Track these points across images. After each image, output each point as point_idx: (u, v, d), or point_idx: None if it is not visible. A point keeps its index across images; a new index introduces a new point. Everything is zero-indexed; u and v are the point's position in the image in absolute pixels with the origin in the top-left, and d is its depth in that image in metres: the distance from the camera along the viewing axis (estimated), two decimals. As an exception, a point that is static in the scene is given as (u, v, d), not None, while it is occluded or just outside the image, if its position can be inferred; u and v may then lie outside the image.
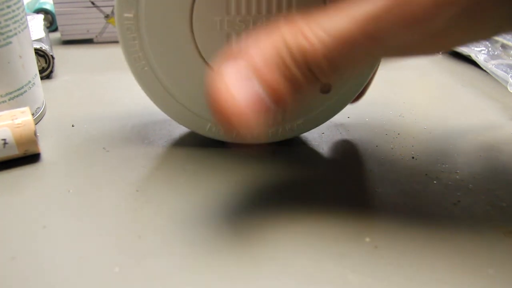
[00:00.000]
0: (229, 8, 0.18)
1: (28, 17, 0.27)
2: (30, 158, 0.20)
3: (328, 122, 0.22)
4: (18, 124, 0.19)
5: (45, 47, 0.28)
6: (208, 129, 0.21)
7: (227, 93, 0.13)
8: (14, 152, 0.19)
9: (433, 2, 0.12)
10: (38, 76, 0.24)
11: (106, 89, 0.28)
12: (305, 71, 0.13)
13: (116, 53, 0.34)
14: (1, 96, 0.21)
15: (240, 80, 0.13)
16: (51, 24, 0.39)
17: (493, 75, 0.30)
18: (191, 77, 0.19)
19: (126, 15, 0.18)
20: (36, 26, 0.31)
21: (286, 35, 0.13)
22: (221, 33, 0.18)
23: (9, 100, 0.21)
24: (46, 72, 0.29)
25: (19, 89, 0.22)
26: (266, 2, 0.18)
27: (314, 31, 0.13)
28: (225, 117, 0.13)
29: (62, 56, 0.33)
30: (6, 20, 0.20)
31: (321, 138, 0.23)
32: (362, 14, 0.12)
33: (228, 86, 0.13)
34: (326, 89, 0.20)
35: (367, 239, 0.16)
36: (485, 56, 0.32)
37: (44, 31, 0.31)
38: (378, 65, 0.20)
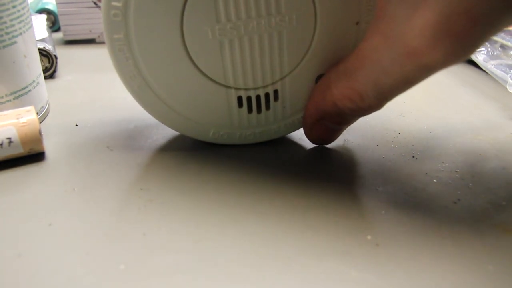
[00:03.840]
0: (218, 16, 0.17)
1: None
2: (34, 156, 0.20)
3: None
4: (23, 123, 0.19)
5: (48, 47, 0.29)
6: (211, 135, 0.21)
7: (316, 135, 0.21)
8: (19, 151, 0.20)
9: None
10: (42, 75, 0.24)
11: (109, 88, 0.28)
12: (356, 117, 0.19)
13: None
14: (6, 95, 0.21)
15: (320, 125, 0.20)
16: (53, 24, 0.39)
17: (492, 75, 0.30)
18: (189, 88, 0.19)
19: (116, 36, 0.18)
20: (39, 26, 0.31)
21: (337, 102, 0.18)
22: (213, 41, 0.18)
23: (14, 99, 0.22)
24: (49, 72, 0.29)
25: (23, 88, 0.22)
26: (255, 6, 0.17)
27: (357, 93, 0.17)
28: (318, 143, 0.22)
29: (65, 56, 0.33)
30: (11, 20, 0.20)
31: (322, 137, 0.23)
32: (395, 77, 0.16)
33: (317, 131, 0.21)
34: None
35: (369, 237, 0.16)
36: (485, 56, 0.32)
37: (47, 31, 0.32)
38: None
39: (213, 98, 0.20)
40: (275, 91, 0.20)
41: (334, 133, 0.21)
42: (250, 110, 0.20)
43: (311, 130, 0.20)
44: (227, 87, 0.19)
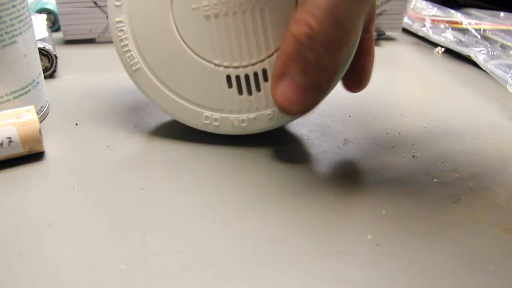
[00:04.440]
0: None
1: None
2: (34, 156, 0.20)
3: (329, 122, 0.22)
4: (23, 122, 0.19)
5: (48, 46, 0.29)
6: (204, 120, 0.21)
7: (281, 94, 0.18)
8: (19, 150, 0.20)
9: None
10: (42, 75, 0.24)
11: (109, 88, 0.28)
12: (318, 48, 0.17)
13: (118, 52, 0.34)
14: (6, 94, 0.21)
15: (286, 81, 0.18)
16: (53, 24, 0.39)
17: (492, 75, 0.30)
18: (181, 66, 0.20)
19: (117, 19, 0.20)
20: (39, 26, 0.31)
21: (294, 30, 0.17)
22: (200, 19, 0.19)
23: (13, 99, 0.22)
24: (49, 72, 0.29)
25: (23, 88, 0.22)
26: None
27: (309, 13, 0.16)
28: (286, 108, 0.19)
29: (65, 56, 0.33)
30: (11, 20, 0.20)
31: (322, 136, 0.23)
32: None
33: (283, 90, 0.18)
34: None
35: (369, 237, 0.16)
36: (485, 56, 0.32)
37: (47, 31, 0.32)
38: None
39: (204, 77, 0.20)
40: (264, 71, 0.20)
41: (302, 93, 0.18)
42: (240, 91, 0.21)
43: (276, 89, 0.18)
44: (216, 65, 0.20)
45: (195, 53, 0.20)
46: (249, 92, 0.21)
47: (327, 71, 0.18)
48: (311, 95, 0.18)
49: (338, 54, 0.17)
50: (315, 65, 0.17)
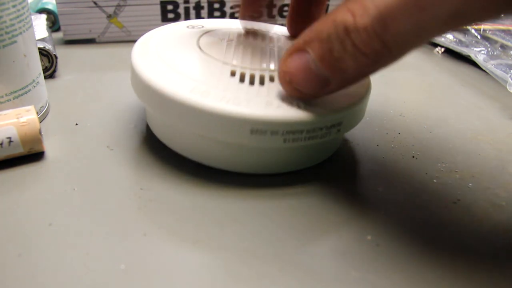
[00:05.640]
0: None
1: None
2: (34, 156, 0.20)
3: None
4: (23, 122, 0.19)
5: (48, 46, 0.29)
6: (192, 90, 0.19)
7: (291, 65, 0.17)
8: (19, 150, 0.20)
9: None
10: (42, 75, 0.24)
11: (109, 88, 0.28)
12: (348, 47, 0.15)
13: (118, 52, 0.34)
14: (6, 94, 0.21)
15: (301, 55, 0.16)
16: (53, 24, 0.39)
17: (492, 75, 0.30)
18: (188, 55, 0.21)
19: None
20: (39, 26, 0.31)
21: (337, 14, 0.15)
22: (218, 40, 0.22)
23: (13, 98, 0.22)
24: (49, 72, 0.29)
25: (23, 88, 0.22)
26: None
27: (362, 4, 0.14)
28: (286, 82, 0.17)
29: (65, 56, 0.33)
30: (11, 20, 0.20)
31: (322, 137, 0.23)
32: None
33: (293, 62, 0.16)
34: None
35: (369, 237, 0.16)
36: (485, 56, 0.32)
37: (47, 31, 0.32)
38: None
39: (209, 67, 0.20)
40: (271, 77, 0.19)
41: (307, 76, 0.16)
42: (242, 81, 0.19)
43: (287, 57, 0.17)
44: (224, 63, 0.20)
45: (205, 53, 0.21)
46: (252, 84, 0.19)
47: (343, 74, 0.16)
48: (314, 85, 0.16)
49: (362, 67, 0.15)
50: (335, 61, 0.15)
